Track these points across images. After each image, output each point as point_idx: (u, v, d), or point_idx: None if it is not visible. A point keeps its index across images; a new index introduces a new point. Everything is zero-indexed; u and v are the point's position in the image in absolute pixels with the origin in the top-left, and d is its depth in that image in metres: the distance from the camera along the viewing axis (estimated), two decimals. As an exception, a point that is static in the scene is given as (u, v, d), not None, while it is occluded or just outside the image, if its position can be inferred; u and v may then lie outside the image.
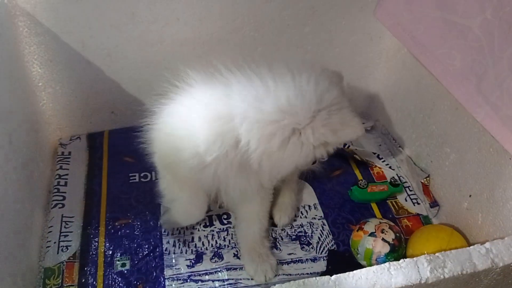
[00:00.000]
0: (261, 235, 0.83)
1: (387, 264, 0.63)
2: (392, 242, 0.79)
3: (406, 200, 0.93)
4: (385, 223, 0.82)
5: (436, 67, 0.71)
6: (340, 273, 0.62)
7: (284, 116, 0.66)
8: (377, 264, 0.76)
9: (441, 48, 0.69)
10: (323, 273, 0.81)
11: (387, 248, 0.79)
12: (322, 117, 0.66)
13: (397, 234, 0.80)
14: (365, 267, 0.78)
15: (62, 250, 0.83)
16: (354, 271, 0.63)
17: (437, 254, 0.64)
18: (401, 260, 0.64)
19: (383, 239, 0.79)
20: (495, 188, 0.74)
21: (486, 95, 0.63)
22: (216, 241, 0.85)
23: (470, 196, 0.81)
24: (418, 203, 0.92)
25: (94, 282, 0.79)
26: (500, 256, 0.64)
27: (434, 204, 0.91)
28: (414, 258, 0.64)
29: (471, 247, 0.65)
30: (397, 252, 0.79)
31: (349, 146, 1.02)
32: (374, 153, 1.01)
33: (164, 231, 0.87)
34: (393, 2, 0.78)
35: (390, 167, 0.99)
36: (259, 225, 0.83)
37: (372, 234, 0.80)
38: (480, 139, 0.76)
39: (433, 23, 0.70)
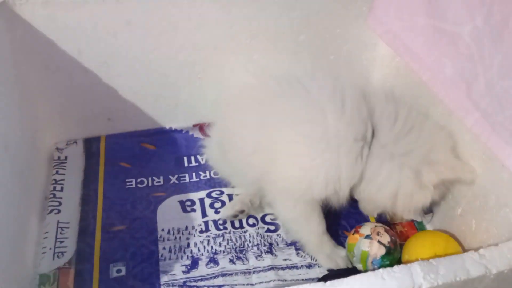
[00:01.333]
0: None
1: (380, 270, 0.63)
2: (388, 245, 0.79)
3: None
4: (381, 226, 0.82)
5: (427, 74, 0.72)
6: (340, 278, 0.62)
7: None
8: (373, 266, 0.77)
9: (432, 55, 0.70)
10: (318, 280, 0.81)
11: (382, 251, 0.79)
12: None
13: (393, 238, 0.81)
14: (361, 270, 0.79)
15: (57, 256, 0.83)
16: (348, 278, 0.63)
17: (430, 260, 0.64)
18: (395, 266, 0.64)
19: (378, 241, 0.79)
20: (488, 194, 0.75)
21: (477, 102, 0.64)
22: (212, 246, 0.86)
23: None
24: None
25: (90, 288, 0.79)
26: (493, 262, 0.64)
27: (428, 210, 0.91)
28: (408, 264, 0.64)
29: (464, 253, 0.65)
30: (393, 255, 0.79)
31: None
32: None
33: (160, 237, 0.87)
34: (384, 10, 0.79)
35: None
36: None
37: (367, 237, 0.80)
38: (473, 146, 0.77)
39: (423, 31, 0.71)
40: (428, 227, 0.90)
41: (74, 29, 0.88)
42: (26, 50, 0.89)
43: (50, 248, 0.84)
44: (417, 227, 0.90)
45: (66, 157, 1.02)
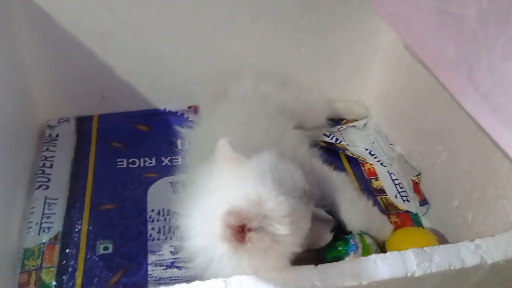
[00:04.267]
0: None
1: (373, 255, 0.62)
2: None
3: (396, 197, 0.92)
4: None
5: (429, 57, 0.71)
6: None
7: None
8: None
9: (435, 38, 0.69)
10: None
11: None
12: None
13: None
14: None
15: (43, 231, 0.81)
16: (339, 262, 0.62)
17: (425, 248, 0.63)
18: (388, 253, 0.62)
19: None
20: (486, 186, 0.74)
21: (478, 85, 0.63)
22: (201, 228, 0.84)
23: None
24: (408, 201, 0.92)
25: (75, 264, 0.77)
26: (489, 253, 0.63)
27: (424, 202, 0.90)
28: (402, 251, 0.63)
29: (460, 243, 0.64)
30: None
31: (341, 141, 1.01)
32: (366, 149, 1.00)
33: (150, 218, 0.85)
34: (389, -8, 0.77)
35: (381, 164, 0.98)
36: None
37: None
38: (473, 137, 0.75)
39: (427, 14, 0.70)
40: (423, 219, 0.89)
41: (71, 1, 0.86)
42: (21, 22, 0.87)
43: (36, 223, 0.82)
44: (412, 218, 0.89)
45: (57, 135, 1.00)
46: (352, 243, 0.74)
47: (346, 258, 0.73)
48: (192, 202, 0.67)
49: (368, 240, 0.76)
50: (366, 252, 0.74)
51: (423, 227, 0.87)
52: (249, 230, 0.58)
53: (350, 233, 0.76)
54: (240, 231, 0.58)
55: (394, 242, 0.79)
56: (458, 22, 0.65)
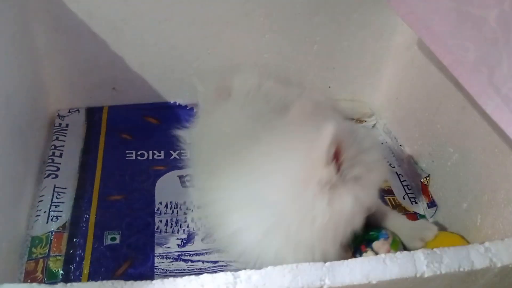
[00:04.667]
0: None
1: (383, 255, 0.61)
2: None
3: (404, 198, 0.92)
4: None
5: (448, 58, 0.71)
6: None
7: None
8: None
9: (455, 39, 0.68)
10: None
11: None
12: None
13: None
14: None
15: (52, 219, 0.81)
16: (349, 260, 0.62)
17: (435, 249, 0.63)
18: (398, 253, 0.62)
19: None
20: (497, 189, 0.73)
21: (498, 87, 0.62)
22: (209, 222, 0.84)
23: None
24: (416, 202, 0.91)
25: (82, 254, 0.77)
26: (498, 256, 0.63)
27: (432, 204, 0.89)
28: (412, 252, 0.62)
29: (469, 245, 0.64)
30: None
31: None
32: (376, 150, 1.00)
33: (157, 210, 0.85)
34: (408, -9, 0.77)
35: (390, 165, 0.98)
36: None
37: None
38: (485, 139, 0.75)
39: (447, 14, 0.69)
40: (431, 220, 0.88)
41: (86, -10, 0.86)
42: (36, 9, 0.87)
43: (45, 212, 0.82)
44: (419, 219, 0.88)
45: (67, 125, 1.00)
46: (384, 232, 0.77)
47: (375, 243, 0.75)
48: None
49: (398, 239, 0.77)
50: (394, 245, 0.76)
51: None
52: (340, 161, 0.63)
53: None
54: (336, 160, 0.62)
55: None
56: (479, 23, 0.64)
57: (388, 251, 0.75)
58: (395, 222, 0.81)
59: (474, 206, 0.79)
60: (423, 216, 0.89)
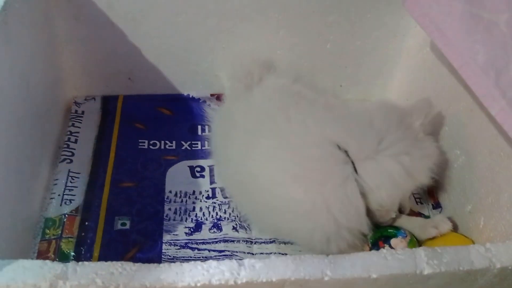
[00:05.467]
0: None
1: (384, 250, 0.63)
2: None
3: (409, 199, 0.93)
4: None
5: (458, 60, 0.72)
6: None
7: None
8: None
9: (466, 41, 0.70)
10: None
11: None
12: None
13: None
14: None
15: (65, 203, 0.83)
16: (351, 254, 0.63)
17: (435, 247, 0.64)
18: (399, 249, 0.64)
19: None
20: (501, 192, 0.74)
21: (504, 90, 0.63)
22: (216, 212, 0.86)
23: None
24: (422, 203, 0.92)
25: (93, 237, 0.79)
26: (498, 257, 0.64)
27: (437, 205, 0.91)
28: (413, 249, 0.64)
29: (470, 245, 0.65)
30: None
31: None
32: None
33: (167, 198, 0.87)
34: (423, -7, 0.78)
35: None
36: None
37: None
38: (492, 143, 0.76)
39: (460, 17, 0.70)
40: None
41: (108, -19, 0.88)
42: (57, -2, 0.89)
43: (59, 195, 0.84)
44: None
45: (83, 112, 1.02)
46: (403, 231, 0.79)
47: (393, 239, 0.78)
48: None
49: (415, 239, 0.79)
50: (412, 244, 0.78)
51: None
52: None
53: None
54: None
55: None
56: (490, 27, 0.65)
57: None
58: (410, 219, 0.84)
59: (478, 208, 0.80)
60: (428, 217, 0.90)
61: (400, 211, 0.83)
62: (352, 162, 0.75)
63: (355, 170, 0.75)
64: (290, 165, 0.76)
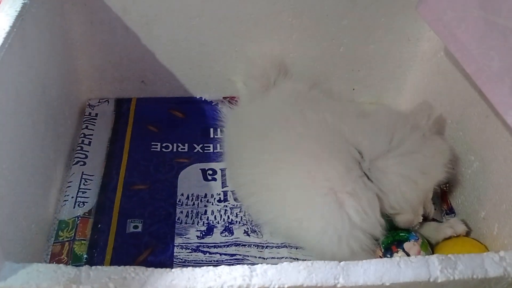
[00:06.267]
0: None
1: (397, 258, 0.63)
2: None
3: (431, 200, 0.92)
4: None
5: (472, 66, 0.71)
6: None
7: None
8: None
9: (480, 47, 0.69)
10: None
11: None
12: None
13: None
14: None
15: (78, 205, 0.84)
16: (364, 261, 0.63)
17: (449, 255, 0.63)
18: (412, 256, 0.63)
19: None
20: (515, 199, 0.73)
21: (520, 98, 0.63)
22: (228, 216, 0.86)
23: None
24: (435, 209, 0.91)
25: (106, 239, 0.80)
26: (513, 265, 0.63)
27: (450, 211, 0.90)
28: (426, 256, 0.63)
29: (484, 253, 0.64)
30: None
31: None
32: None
33: (179, 201, 0.88)
34: (437, -1, 0.78)
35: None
36: None
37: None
38: (507, 149, 0.75)
39: (474, 23, 0.70)
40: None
41: (123, -15, 0.89)
42: (73, 2, 0.90)
43: (72, 197, 0.85)
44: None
45: (96, 114, 1.03)
46: (414, 234, 0.79)
47: (405, 243, 0.78)
48: None
49: (426, 241, 0.80)
50: (424, 246, 0.78)
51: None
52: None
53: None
54: None
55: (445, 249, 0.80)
56: (505, 33, 0.65)
57: (419, 252, 0.78)
58: (424, 223, 0.84)
59: (492, 215, 0.79)
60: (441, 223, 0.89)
61: (424, 217, 0.83)
62: (365, 162, 0.77)
63: (369, 170, 0.76)
64: (305, 164, 0.77)
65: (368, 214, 0.75)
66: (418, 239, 0.79)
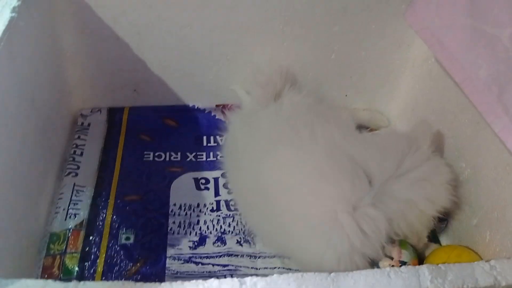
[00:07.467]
0: None
1: (388, 268, 0.62)
2: None
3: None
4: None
5: (460, 74, 0.71)
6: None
7: None
8: None
9: (468, 56, 0.69)
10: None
11: None
12: None
13: None
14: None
15: (70, 217, 0.84)
16: (354, 271, 0.63)
17: (439, 265, 0.63)
18: (403, 267, 0.63)
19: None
20: (507, 207, 0.73)
21: (507, 107, 0.63)
22: (221, 226, 0.86)
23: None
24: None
25: (97, 252, 0.80)
26: (504, 274, 0.63)
27: (442, 219, 0.89)
28: (416, 266, 0.63)
29: (475, 262, 0.64)
30: None
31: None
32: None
33: (171, 211, 0.87)
34: (425, 6, 0.77)
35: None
36: None
37: None
38: (497, 157, 0.75)
39: (462, 31, 0.70)
40: (441, 234, 0.89)
41: (113, -5, 0.89)
42: (64, 12, 0.89)
43: (64, 209, 0.85)
44: (429, 235, 0.88)
45: (89, 124, 1.03)
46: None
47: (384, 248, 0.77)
48: None
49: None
50: (403, 244, 0.79)
51: (440, 244, 0.87)
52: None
53: None
54: None
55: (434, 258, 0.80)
56: (492, 41, 0.65)
57: (399, 252, 0.78)
58: None
59: (484, 222, 0.79)
60: (433, 231, 0.89)
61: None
62: (373, 184, 0.75)
63: (376, 193, 0.74)
64: (309, 180, 0.76)
65: (371, 238, 0.73)
66: (393, 241, 0.78)
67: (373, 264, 0.76)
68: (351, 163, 0.76)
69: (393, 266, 0.77)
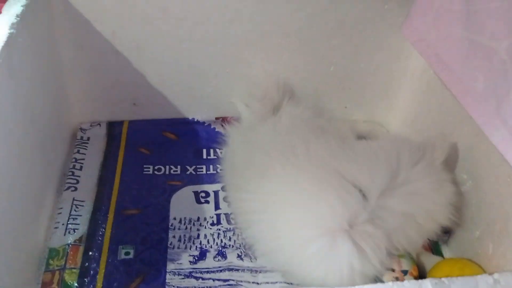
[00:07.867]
0: None
1: (390, 283, 0.62)
2: None
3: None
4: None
5: (457, 87, 0.71)
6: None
7: None
8: None
9: (465, 68, 0.69)
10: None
11: None
12: None
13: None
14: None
15: (69, 232, 0.83)
16: (355, 286, 0.62)
17: (442, 278, 0.63)
18: (406, 281, 0.62)
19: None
20: (509, 219, 0.73)
21: (505, 119, 0.63)
22: (221, 240, 0.85)
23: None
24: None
25: (97, 267, 0.79)
26: (507, 288, 0.62)
27: (445, 230, 0.89)
28: (419, 280, 0.63)
29: (478, 275, 0.64)
30: None
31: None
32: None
33: (171, 225, 0.87)
34: (421, 19, 0.78)
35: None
36: None
37: None
38: (498, 168, 0.75)
39: (459, 43, 0.70)
40: (444, 247, 0.88)
41: (111, 11, 0.89)
42: (63, 27, 0.90)
43: (63, 224, 0.84)
44: (432, 245, 0.88)
45: (88, 138, 1.03)
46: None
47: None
48: None
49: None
50: (401, 255, 0.78)
51: (442, 256, 0.87)
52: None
53: None
54: None
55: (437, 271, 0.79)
56: (489, 54, 0.65)
57: (399, 261, 0.77)
58: None
59: (486, 234, 0.78)
60: (436, 243, 0.89)
61: None
62: (368, 200, 0.73)
63: (372, 209, 0.73)
64: (304, 199, 0.75)
65: (371, 257, 0.71)
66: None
67: (376, 279, 0.75)
68: (339, 180, 0.74)
69: (397, 277, 0.76)
